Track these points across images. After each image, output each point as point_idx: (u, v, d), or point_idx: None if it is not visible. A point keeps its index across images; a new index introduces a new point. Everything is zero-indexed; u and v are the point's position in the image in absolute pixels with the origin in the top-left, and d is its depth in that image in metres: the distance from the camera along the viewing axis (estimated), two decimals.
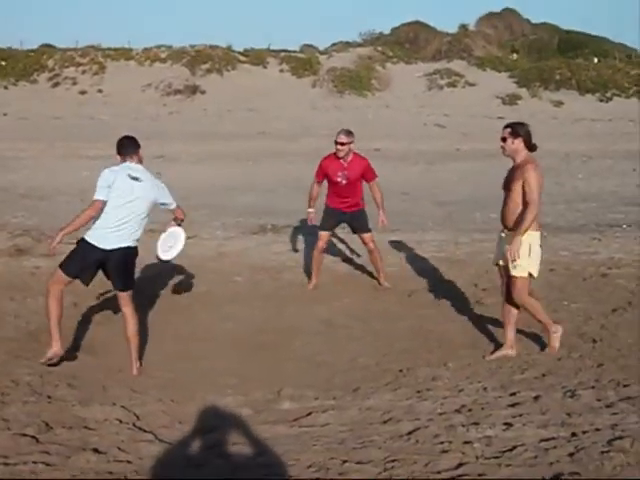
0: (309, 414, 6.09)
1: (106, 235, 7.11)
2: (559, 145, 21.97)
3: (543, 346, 7.73)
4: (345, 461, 5.01)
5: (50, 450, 5.30)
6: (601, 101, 35.24)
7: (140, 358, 7.52)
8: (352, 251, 11.27)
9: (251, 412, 6.27)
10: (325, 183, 10.00)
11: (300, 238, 11.82)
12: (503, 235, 7.52)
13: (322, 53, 39.59)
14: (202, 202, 15.21)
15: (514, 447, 5.08)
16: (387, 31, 45.61)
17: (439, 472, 4.80)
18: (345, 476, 4.80)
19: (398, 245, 11.53)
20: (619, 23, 75.69)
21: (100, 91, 34.06)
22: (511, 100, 34.74)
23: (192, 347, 8.13)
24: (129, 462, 5.20)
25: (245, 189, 17.37)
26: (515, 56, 41.34)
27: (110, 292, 8.28)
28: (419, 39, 43.49)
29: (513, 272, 7.36)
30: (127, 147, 7.46)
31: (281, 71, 36.24)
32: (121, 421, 5.95)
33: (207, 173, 19.70)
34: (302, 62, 36.68)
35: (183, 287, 9.89)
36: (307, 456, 5.15)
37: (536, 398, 6.07)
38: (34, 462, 5.08)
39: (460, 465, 4.87)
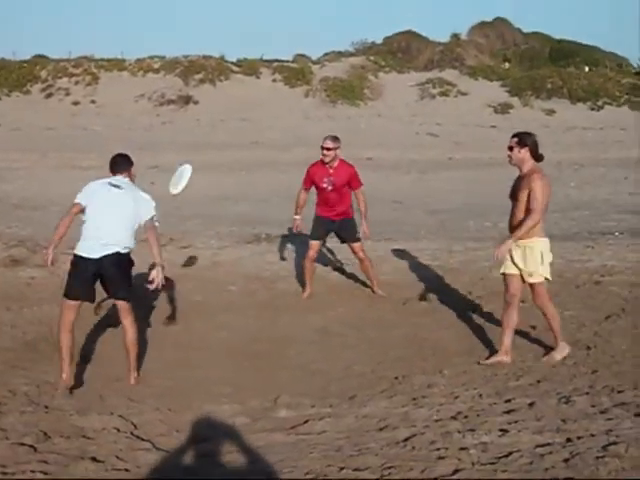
0: (306, 422, 6.12)
1: (92, 245, 7.10)
2: (551, 153, 21.74)
3: (539, 352, 7.80)
4: (342, 468, 5.05)
5: (48, 459, 5.32)
6: (592, 110, 35.42)
7: (138, 368, 7.51)
8: (345, 260, 11.31)
9: (248, 420, 6.31)
10: (314, 192, 10.04)
11: (293, 247, 11.85)
12: (512, 245, 7.54)
13: (315, 63, 39.68)
14: (196, 212, 15.26)
15: (510, 453, 5.12)
16: (379, 40, 45.81)
17: (435, 478, 4.84)
18: None
19: (392, 254, 11.57)
20: (610, 32, 76.03)
21: (93, 102, 34.09)
22: (503, 109, 34.88)
23: (188, 356, 8.15)
24: (127, 470, 5.23)
25: (238, 199, 17.42)
26: (507, 65, 41.52)
27: (105, 300, 8.30)
28: (411, 48, 43.67)
29: (530, 280, 7.51)
30: (118, 164, 7.51)
31: (274, 81, 36.33)
32: (119, 430, 5.98)
33: (200, 183, 19.54)
34: (295, 72, 36.78)
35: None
36: (304, 463, 5.19)
37: (531, 404, 6.12)
38: (32, 471, 5.11)
39: (456, 471, 4.91)
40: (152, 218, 7.36)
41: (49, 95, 34.71)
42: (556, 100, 35.85)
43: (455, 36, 44.28)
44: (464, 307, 9.55)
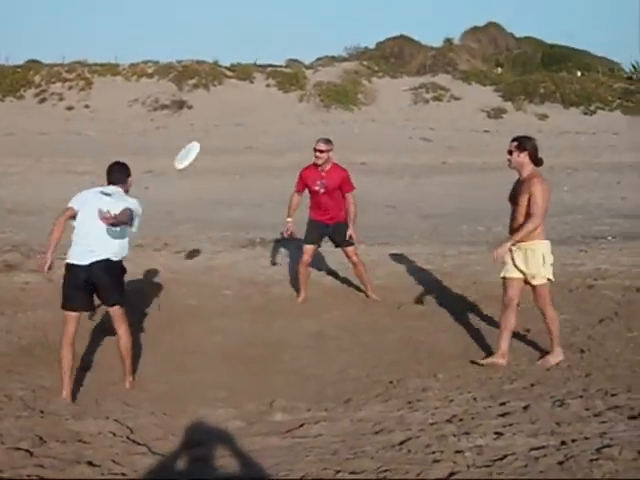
0: (301, 425, 6.15)
1: (81, 251, 7.09)
2: (545, 158, 21.96)
3: (534, 355, 7.85)
4: (338, 471, 5.07)
5: (44, 464, 5.34)
6: (585, 114, 35.50)
7: (133, 372, 7.53)
8: (339, 264, 11.32)
9: (243, 424, 6.34)
10: (307, 196, 10.07)
11: (287, 252, 11.87)
12: (514, 248, 7.58)
13: (308, 68, 39.71)
14: (190, 216, 15.28)
15: (505, 456, 5.15)
16: (372, 45, 45.84)
17: None
18: None
19: (386, 258, 11.59)
20: (601, 37, 76.26)
21: (87, 107, 34.06)
22: (496, 114, 34.94)
23: (183, 360, 8.17)
24: (124, 475, 5.25)
25: (232, 203, 17.44)
26: (499, 70, 41.57)
27: (101, 306, 8.30)
28: (404, 53, 43.68)
29: (534, 282, 7.57)
30: (114, 176, 7.48)
31: (268, 86, 36.33)
32: (115, 434, 6.00)
33: (194, 187, 19.74)
34: (289, 77, 36.81)
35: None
36: (300, 467, 5.21)
37: (525, 408, 6.16)
38: (28, 476, 5.13)
39: (452, 474, 4.95)
40: (134, 211, 7.27)
41: (43, 100, 34.67)
42: (549, 105, 35.92)
43: (448, 41, 44.30)
44: (458, 311, 9.57)
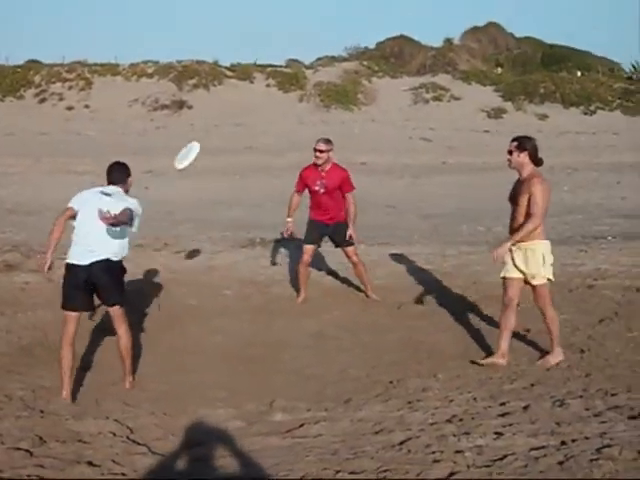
0: (301, 425, 6.16)
1: (81, 251, 7.09)
2: (544, 158, 21.96)
3: (534, 355, 7.85)
4: (338, 471, 5.08)
5: (45, 464, 5.34)
6: (585, 114, 35.50)
7: (133, 372, 7.53)
8: (339, 264, 11.32)
9: (244, 424, 6.34)
10: (307, 196, 10.07)
11: (287, 252, 11.88)
12: (514, 248, 7.59)
13: (308, 68, 39.71)
14: (190, 216, 15.29)
15: (505, 456, 5.16)
16: (372, 46, 45.84)
17: None
18: None
19: (386, 258, 11.59)
20: (601, 37, 76.27)
21: (87, 107, 34.06)
22: (496, 114, 34.94)
23: (183, 360, 8.17)
24: (124, 475, 5.25)
25: (232, 203, 17.44)
26: (499, 70, 41.57)
27: (101, 305, 8.29)
28: (404, 53, 43.68)
29: (534, 282, 7.58)
30: (114, 176, 7.46)
31: (268, 86, 36.33)
32: (115, 434, 6.00)
33: (194, 187, 19.75)
34: (288, 77, 36.81)
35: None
36: (300, 467, 5.22)
37: (525, 408, 6.16)
38: (28, 476, 5.14)
39: (452, 474, 4.95)
40: (133, 211, 7.25)
41: (43, 100, 34.67)
42: (549, 105, 35.92)
43: (448, 41, 44.32)
44: (458, 311, 9.58)
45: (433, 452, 5.33)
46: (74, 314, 7.18)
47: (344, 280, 10.83)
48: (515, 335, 8.28)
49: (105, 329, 8.40)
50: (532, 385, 6.85)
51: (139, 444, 5.84)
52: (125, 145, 25.97)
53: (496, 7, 78.43)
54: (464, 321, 9.25)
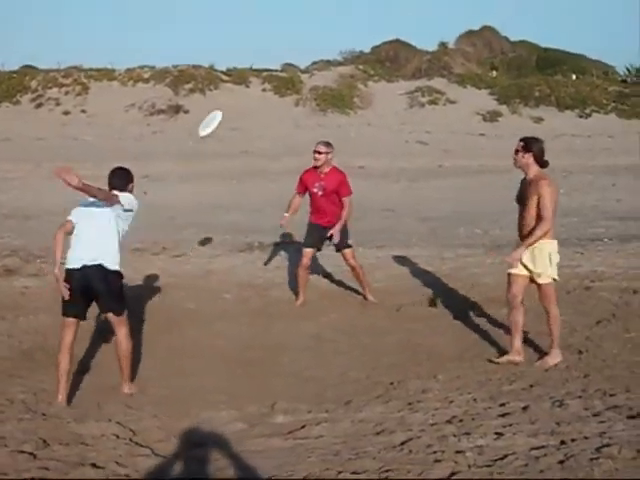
0: (303, 427, 6.20)
1: (75, 255, 7.09)
2: None
3: (532, 357, 7.91)
4: (340, 472, 5.12)
5: (49, 466, 5.38)
6: (580, 117, 35.58)
7: (132, 378, 7.50)
8: (338, 267, 11.36)
9: (245, 426, 6.38)
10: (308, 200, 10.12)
11: (286, 255, 11.92)
12: None
13: (303, 72, 39.73)
14: (188, 221, 15.30)
15: (505, 456, 5.20)
16: (367, 50, 45.92)
17: None
18: None
19: (384, 261, 11.65)
20: (596, 40, 76.40)
21: (84, 111, 34.03)
22: (492, 117, 35.01)
23: (183, 364, 8.19)
24: (127, 476, 5.29)
25: (230, 208, 17.45)
26: (494, 73, 41.64)
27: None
28: (399, 57, 43.77)
29: (539, 280, 7.67)
30: (115, 181, 7.40)
31: (264, 90, 36.33)
32: (118, 436, 6.04)
33: (192, 192, 19.78)
34: (284, 81, 36.82)
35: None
36: (303, 467, 5.26)
37: (525, 408, 6.21)
38: (33, 478, 5.16)
39: (453, 474, 4.99)
40: (116, 194, 7.12)
41: (39, 105, 34.63)
42: (544, 108, 35.99)
43: (443, 45, 44.43)
44: (457, 313, 9.64)
45: (434, 452, 5.38)
46: (72, 320, 7.19)
47: (342, 283, 10.88)
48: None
49: (107, 332, 8.39)
50: (531, 386, 6.90)
51: (142, 446, 5.88)
52: (122, 150, 25.97)
53: (491, 11, 78.53)
54: (463, 323, 9.32)
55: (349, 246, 10.07)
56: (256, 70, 38.20)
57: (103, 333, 8.58)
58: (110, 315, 7.34)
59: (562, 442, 5.38)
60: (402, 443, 5.62)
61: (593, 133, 32.41)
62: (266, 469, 5.29)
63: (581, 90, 37.17)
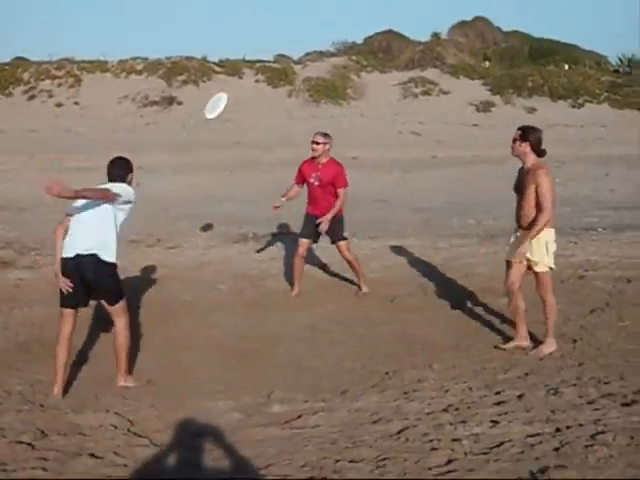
0: (300, 416, 6.23)
1: (69, 244, 7.06)
2: None
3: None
4: (338, 460, 5.16)
5: (47, 456, 5.41)
6: (573, 107, 35.63)
7: (129, 371, 7.44)
8: (333, 257, 11.38)
9: (242, 416, 6.41)
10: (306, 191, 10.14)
11: (282, 245, 11.94)
12: (519, 235, 7.81)
13: (296, 63, 39.71)
14: (182, 212, 15.30)
15: (501, 443, 5.26)
16: (360, 41, 45.87)
17: (430, 468, 4.97)
18: (339, 474, 4.94)
19: (379, 251, 11.68)
20: (588, 30, 76.47)
21: (76, 103, 33.97)
22: (485, 107, 35.04)
23: (180, 355, 8.19)
24: (126, 466, 5.32)
25: (224, 199, 17.46)
26: (487, 64, 41.66)
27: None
28: (392, 48, 43.73)
29: (536, 269, 7.73)
30: (112, 172, 7.37)
31: (257, 81, 36.31)
32: (116, 427, 6.07)
33: (186, 183, 19.77)
34: (277, 72, 36.80)
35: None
36: (301, 456, 5.30)
37: (520, 396, 6.26)
38: (32, 468, 5.20)
39: (450, 461, 5.05)
40: (111, 191, 7.05)
41: (32, 97, 34.55)
42: (537, 98, 36.04)
43: (435, 35, 44.42)
44: (452, 303, 9.68)
45: (431, 440, 5.42)
46: (70, 311, 7.16)
47: (337, 273, 10.89)
48: (508, 326, 8.45)
49: (105, 322, 8.37)
50: (526, 374, 6.96)
51: (140, 436, 5.91)
52: (115, 141, 25.91)
53: (483, 1, 78.46)
54: (457, 313, 9.36)
55: (344, 238, 10.07)
56: (249, 61, 38.18)
57: (101, 323, 8.57)
58: (107, 305, 7.32)
59: (557, 429, 5.44)
60: (399, 432, 5.67)
61: (586, 123, 32.48)
62: (264, 458, 5.34)
63: (574, 80, 37.23)
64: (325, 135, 9.99)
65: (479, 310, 9.34)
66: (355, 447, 5.40)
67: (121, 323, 7.29)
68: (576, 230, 13.05)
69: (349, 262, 10.17)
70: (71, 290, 7.10)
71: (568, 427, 5.46)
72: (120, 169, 7.41)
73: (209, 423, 6.14)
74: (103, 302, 7.38)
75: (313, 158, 9.95)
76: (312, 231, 10.06)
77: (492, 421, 5.70)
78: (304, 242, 10.09)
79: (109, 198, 6.99)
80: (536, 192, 7.50)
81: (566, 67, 39.59)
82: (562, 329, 8.31)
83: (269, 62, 38.75)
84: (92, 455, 5.44)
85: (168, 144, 26.82)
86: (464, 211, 15.32)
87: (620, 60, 40.37)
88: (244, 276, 10.90)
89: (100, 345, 8.30)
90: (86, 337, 8.42)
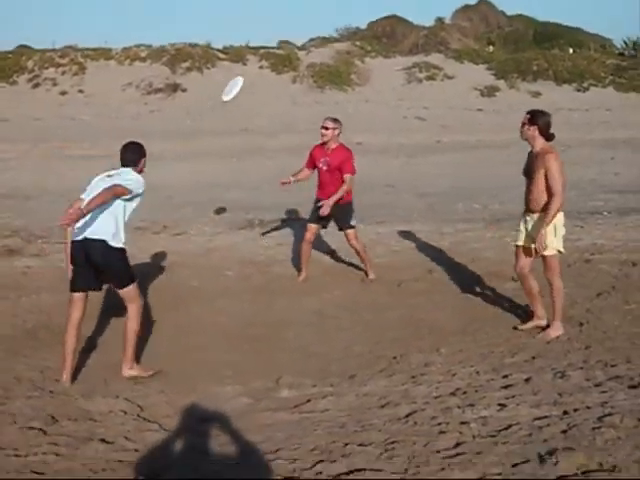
0: (308, 401, 6.26)
1: (79, 227, 7.00)
2: None
3: (534, 329, 7.99)
4: (347, 444, 5.19)
5: (59, 441, 5.45)
6: (578, 91, 35.57)
7: (135, 358, 7.32)
8: (340, 243, 11.40)
9: (251, 401, 6.44)
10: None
11: (290, 231, 11.97)
12: (528, 218, 7.86)
13: (300, 49, 39.69)
14: (188, 199, 15.33)
15: (509, 426, 5.29)
16: (363, 26, 45.81)
17: (438, 451, 5.00)
18: (348, 458, 4.98)
19: (385, 236, 11.70)
20: (593, 13, 76.12)
21: (81, 91, 34.01)
22: (489, 92, 34.99)
23: (189, 341, 8.22)
24: (136, 451, 5.36)
25: (229, 186, 17.48)
26: (491, 48, 41.59)
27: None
28: (396, 33, 43.69)
29: (544, 252, 7.72)
30: (124, 157, 7.37)
31: (261, 68, 36.30)
32: (125, 412, 6.11)
33: (190, 170, 19.80)
34: (281, 58, 36.78)
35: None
36: (310, 440, 5.34)
37: (527, 380, 6.29)
38: (44, 453, 5.24)
39: (458, 444, 5.08)
40: (119, 184, 6.99)
41: (36, 85, 34.61)
42: (542, 82, 36.00)
43: (439, 20, 44.37)
44: (458, 287, 9.70)
45: (439, 424, 5.46)
46: (79, 295, 7.11)
47: (344, 259, 10.91)
48: (515, 311, 8.48)
49: (113, 309, 8.42)
50: (533, 358, 6.98)
51: (150, 421, 5.95)
52: (120, 129, 25.91)
53: None
54: (464, 297, 9.38)
55: (352, 227, 10.04)
56: (253, 48, 38.18)
57: (110, 310, 8.60)
58: (118, 290, 7.26)
59: (565, 412, 5.47)
60: (407, 415, 5.70)
61: (591, 107, 32.42)
62: (274, 442, 5.37)
63: (578, 64, 37.16)
64: (335, 120, 9.99)
65: (486, 294, 9.37)
66: (364, 431, 5.43)
67: (133, 308, 7.22)
68: (582, 214, 13.05)
69: (356, 251, 10.18)
70: (78, 272, 7.08)
71: (575, 410, 5.49)
72: (133, 154, 7.42)
73: (218, 408, 6.17)
74: (115, 288, 7.32)
75: (323, 143, 9.96)
76: (319, 216, 10.03)
77: (500, 404, 5.73)
78: (312, 227, 10.10)
79: (118, 194, 6.97)
80: (545, 176, 7.52)
81: (571, 51, 39.53)
82: (569, 312, 8.32)
83: (273, 48, 38.71)
84: (103, 440, 5.48)
85: (172, 131, 26.85)
86: (469, 196, 15.33)
87: (625, 43, 40.32)
88: (251, 262, 10.93)
89: (109, 332, 8.32)
90: (95, 324, 8.44)
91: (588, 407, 5.53)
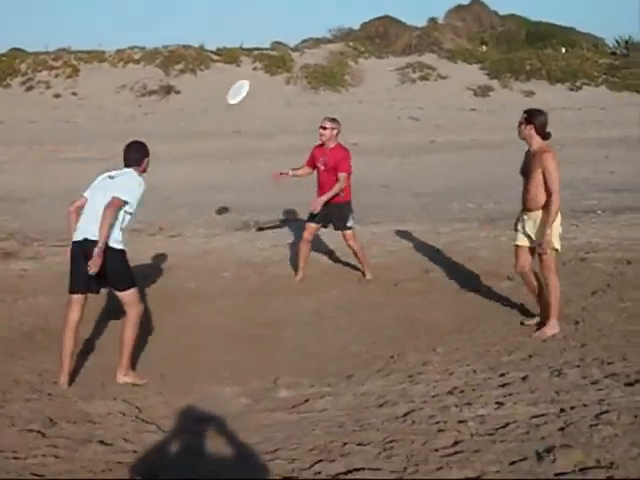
0: (306, 401, 6.28)
1: (79, 227, 7.05)
2: None
3: (530, 328, 8.03)
4: (345, 443, 5.21)
5: (58, 444, 5.46)
6: (571, 90, 35.67)
7: (130, 365, 7.22)
8: (337, 243, 11.42)
9: (250, 401, 6.46)
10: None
11: (284, 232, 11.98)
12: (525, 217, 7.89)
13: (293, 50, 39.70)
14: (183, 201, 15.35)
15: (507, 424, 5.31)
16: (356, 27, 45.85)
17: (436, 450, 5.02)
18: (347, 457, 4.99)
19: (381, 236, 11.72)
20: (585, 13, 76.27)
21: (74, 94, 33.98)
22: (483, 92, 35.06)
23: (187, 342, 8.21)
24: (135, 452, 5.37)
25: (224, 187, 17.49)
26: (484, 48, 41.65)
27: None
28: (389, 34, 43.70)
29: (540, 250, 7.75)
30: (126, 157, 7.39)
31: (254, 69, 36.29)
32: (124, 414, 6.12)
33: (186, 172, 19.81)
34: (275, 60, 36.80)
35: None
36: (308, 440, 5.35)
37: (524, 378, 6.31)
38: (43, 455, 5.25)
39: (456, 443, 5.10)
40: (118, 197, 6.98)
41: (30, 88, 34.56)
42: (535, 82, 36.08)
43: (432, 20, 44.40)
44: (454, 286, 9.73)
45: (437, 422, 5.48)
46: (78, 297, 7.08)
47: (342, 259, 10.92)
48: (510, 309, 8.52)
49: (111, 312, 8.43)
50: (530, 356, 7.00)
51: (148, 423, 5.96)
52: (114, 131, 25.93)
53: None
54: (460, 296, 9.40)
55: (349, 228, 10.04)
56: (246, 49, 38.18)
57: (108, 313, 8.60)
58: (117, 293, 7.22)
59: (562, 410, 5.49)
60: (405, 414, 5.72)
61: (584, 106, 32.50)
62: (272, 442, 5.39)
63: (571, 63, 37.26)
64: (333, 120, 10.02)
65: (482, 293, 9.39)
66: (362, 430, 5.45)
67: (132, 313, 7.13)
68: (577, 213, 13.09)
69: (354, 251, 10.18)
70: (78, 272, 7.02)
71: (572, 407, 5.51)
72: (136, 153, 7.41)
73: (216, 409, 6.19)
74: (114, 291, 7.28)
75: (323, 143, 9.99)
76: (319, 216, 10.04)
77: (497, 402, 5.76)
78: (311, 227, 10.10)
79: (117, 207, 6.98)
80: (543, 175, 7.55)
81: (563, 50, 39.61)
82: (564, 311, 8.33)
83: (266, 49, 38.72)
84: (102, 442, 5.49)
85: (166, 133, 26.82)
86: (464, 195, 15.37)
87: (617, 42, 40.40)
88: (247, 263, 10.93)
89: (107, 334, 8.31)
90: (93, 327, 8.43)
91: (585, 405, 5.56)
